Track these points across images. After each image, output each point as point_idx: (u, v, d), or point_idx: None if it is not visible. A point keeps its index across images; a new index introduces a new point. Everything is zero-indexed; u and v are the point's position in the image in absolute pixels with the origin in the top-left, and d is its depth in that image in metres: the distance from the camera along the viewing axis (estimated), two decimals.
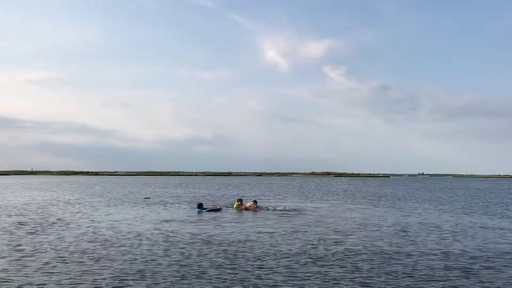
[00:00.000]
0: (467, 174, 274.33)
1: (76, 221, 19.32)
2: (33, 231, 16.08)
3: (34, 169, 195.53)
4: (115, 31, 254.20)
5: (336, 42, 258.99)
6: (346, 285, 9.03)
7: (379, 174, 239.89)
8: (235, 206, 25.39)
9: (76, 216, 21.21)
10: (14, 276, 9.42)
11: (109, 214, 22.28)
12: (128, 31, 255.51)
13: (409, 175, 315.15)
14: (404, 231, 16.66)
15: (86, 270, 9.94)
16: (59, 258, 11.21)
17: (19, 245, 13.12)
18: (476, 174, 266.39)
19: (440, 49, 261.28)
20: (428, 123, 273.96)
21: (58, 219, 19.98)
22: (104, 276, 9.48)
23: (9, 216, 21.12)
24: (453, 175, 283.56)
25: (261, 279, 9.39)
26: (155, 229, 16.80)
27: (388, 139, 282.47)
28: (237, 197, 34.02)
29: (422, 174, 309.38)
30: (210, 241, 14.04)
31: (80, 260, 11.05)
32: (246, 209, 24.32)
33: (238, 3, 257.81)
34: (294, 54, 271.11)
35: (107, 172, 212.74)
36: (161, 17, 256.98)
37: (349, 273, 10.00)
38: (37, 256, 11.45)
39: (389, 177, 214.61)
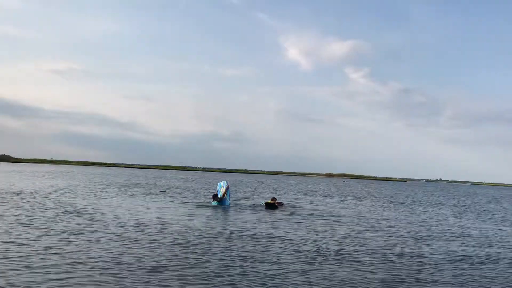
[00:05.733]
0: (486, 182, 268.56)
1: (100, 209, 20.03)
2: (66, 217, 16.85)
3: (54, 158, 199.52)
4: (140, 25, 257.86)
5: (359, 43, 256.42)
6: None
7: (396, 178, 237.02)
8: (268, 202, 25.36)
9: (99, 204, 21.94)
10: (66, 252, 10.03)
11: (127, 204, 23.01)
12: (153, 25, 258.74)
13: (427, 180, 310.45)
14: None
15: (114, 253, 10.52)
16: (94, 240, 11.82)
17: (52, 228, 13.83)
18: (495, 182, 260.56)
19: (465, 54, 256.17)
20: (449, 128, 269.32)
21: (84, 206, 20.74)
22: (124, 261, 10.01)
23: (42, 200, 22.01)
24: (472, 183, 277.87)
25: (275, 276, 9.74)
26: (166, 219, 17.33)
27: (408, 143, 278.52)
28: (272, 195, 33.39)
29: (440, 180, 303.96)
30: (222, 235, 14.45)
31: (110, 243, 11.65)
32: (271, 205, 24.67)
33: (263, 1, 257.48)
34: (317, 53, 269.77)
35: (125, 164, 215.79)
36: (186, 12, 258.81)
37: (359, 272, 10.26)
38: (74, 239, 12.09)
39: (406, 181, 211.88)
